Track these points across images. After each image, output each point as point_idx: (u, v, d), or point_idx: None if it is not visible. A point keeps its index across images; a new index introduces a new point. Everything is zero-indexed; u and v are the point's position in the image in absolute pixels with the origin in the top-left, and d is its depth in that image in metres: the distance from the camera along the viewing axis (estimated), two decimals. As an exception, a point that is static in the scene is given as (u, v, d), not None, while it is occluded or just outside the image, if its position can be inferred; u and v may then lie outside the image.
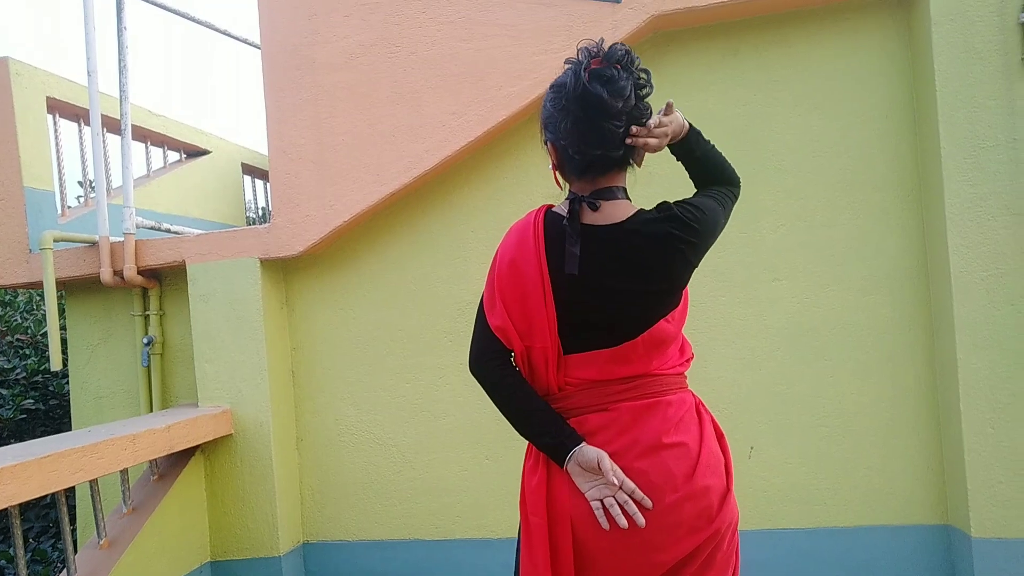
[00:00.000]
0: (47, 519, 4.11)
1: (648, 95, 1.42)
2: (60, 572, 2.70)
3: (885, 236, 2.91)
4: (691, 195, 1.54)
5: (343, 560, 3.30)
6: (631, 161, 1.47)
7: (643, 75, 1.41)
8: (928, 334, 2.88)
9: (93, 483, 2.62)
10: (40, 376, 4.59)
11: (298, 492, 3.35)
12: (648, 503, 1.36)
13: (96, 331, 3.61)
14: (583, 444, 1.40)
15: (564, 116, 1.39)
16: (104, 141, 3.61)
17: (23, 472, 2.19)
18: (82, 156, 4.18)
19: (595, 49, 1.39)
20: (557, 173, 1.51)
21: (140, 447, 2.70)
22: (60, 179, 3.91)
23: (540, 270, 1.41)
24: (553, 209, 1.49)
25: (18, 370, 4.53)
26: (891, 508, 2.89)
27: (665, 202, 1.47)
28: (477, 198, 3.22)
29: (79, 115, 4.02)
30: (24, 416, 4.33)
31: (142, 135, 4.59)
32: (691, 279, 1.49)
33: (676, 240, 1.40)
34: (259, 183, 5.84)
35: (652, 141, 1.45)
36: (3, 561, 3.46)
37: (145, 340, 3.47)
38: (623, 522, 1.35)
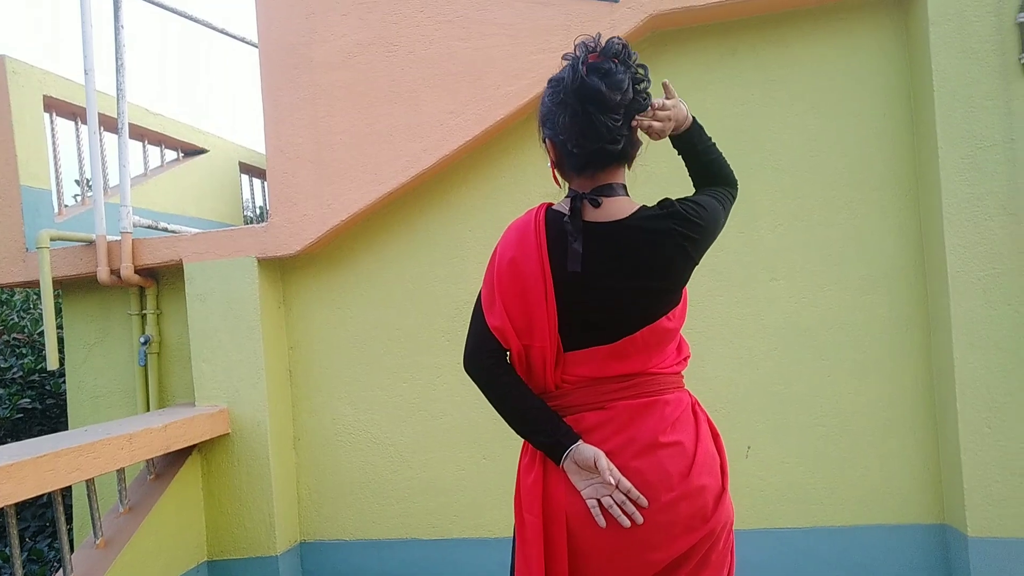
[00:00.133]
0: (43, 518, 4.10)
1: (646, 89, 1.42)
2: (56, 572, 2.69)
3: (882, 236, 2.91)
4: (691, 194, 1.55)
5: (340, 559, 3.29)
6: (628, 157, 1.47)
7: (640, 70, 1.41)
8: (925, 333, 2.88)
9: (90, 482, 2.61)
10: (37, 375, 4.57)
11: (295, 491, 3.35)
12: (644, 502, 1.36)
13: (93, 330, 3.60)
14: (580, 442, 1.40)
15: (562, 110, 1.39)
16: (101, 140, 3.60)
17: (19, 471, 2.19)
18: (79, 155, 4.17)
19: (592, 44, 1.39)
20: (556, 171, 1.51)
21: (137, 446, 2.70)
22: (57, 178, 3.90)
23: (542, 268, 1.40)
24: (553, 207, 1.48)
25: (15, 369, 4.52)
26: (888, 507, 2.90)
27: (667, 199, 1.47)
28: (475, 197, 3.21)
29: (76, 114, 4.01)
30: (21, 415, 4.32)
31: (139, 134, 4.58)
32: (689, 278, 1.49)
33: (679, 236, 1.41)
34: (257, 182, 5.84)
35: (656, 124, 1.45)
36: (0, 560, 3.46)
37: (142, 339, 3.46)
38: (625, 521, 1.35)
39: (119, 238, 3.34)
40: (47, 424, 4.54)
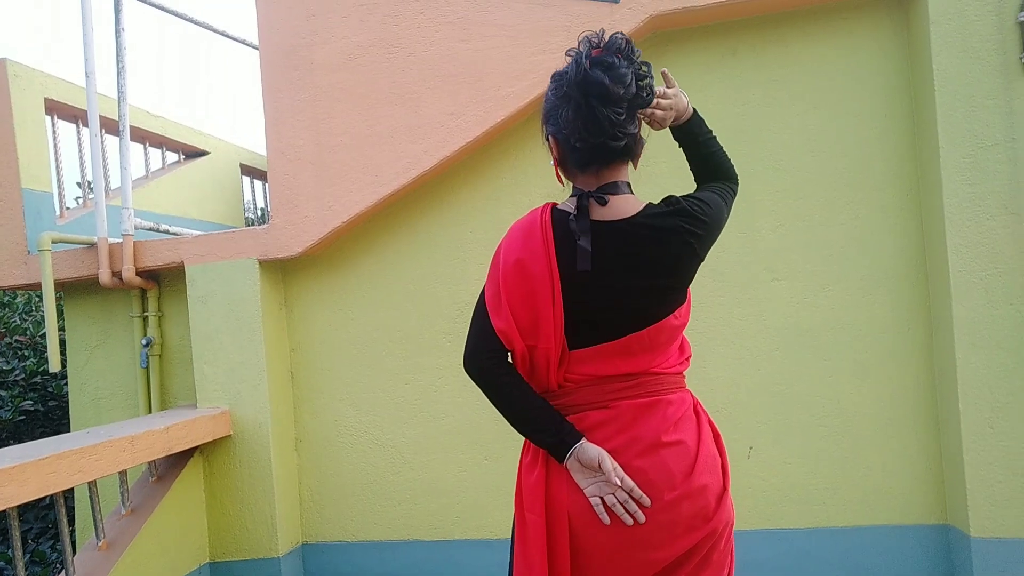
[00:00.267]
0: (46, 520, 4.10)
1: (649, 85, 1.42)
2: (59, 573, 2.70)
3: (884, 235, 2.91)
4: (694, 191, 1.55)
5: (342, 561, 3.29)
6: (632, 154, 1.47)
7: (644, 67, 1.42)
8: (927, 333, 2.88)
9: (92, 484, 2.62)
10: (39, 377, 4.58)
11: (297, 493, 3.35)
12: (647, 501, 1.36)
13: (95, 332, 3.61)
14: (583, 441, 1.40)
15: (565, 103, 1.39)
16: (102, 142, 3.61)
17: (21, 474, 2.19)
18: (80, 157, 4.17)
19: (596, 39, 1.40)
20: (559, 169, 1.50)
21: (139, 448, 2.70)
22: (58, 180, 3.90)
23: (549, 268, 1.40)
24: (558, 207, 1.48)
25: (17, 371, 4.53)
26: (890, 508, 2.89)
27: (672, 196, 1.47)
28: (476, 199, 3.22)
29: (77, 116, 4.02)
30: (23, 417, 4.33)
31: (141, 136, 4.58)
32: (695, 276, 1.49)
33: (687, 234, 1.41)
34: (258, 184, 5.84)
35: (658, 112, 1.47)
36: (2, 562, 3.46)
37: (144, 341, 3.47)
38: (628, 520, 1.36)
39: (120, 240, 3.35)
40: (49, 426, 4.54)
